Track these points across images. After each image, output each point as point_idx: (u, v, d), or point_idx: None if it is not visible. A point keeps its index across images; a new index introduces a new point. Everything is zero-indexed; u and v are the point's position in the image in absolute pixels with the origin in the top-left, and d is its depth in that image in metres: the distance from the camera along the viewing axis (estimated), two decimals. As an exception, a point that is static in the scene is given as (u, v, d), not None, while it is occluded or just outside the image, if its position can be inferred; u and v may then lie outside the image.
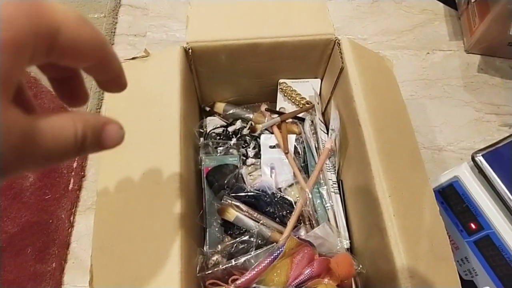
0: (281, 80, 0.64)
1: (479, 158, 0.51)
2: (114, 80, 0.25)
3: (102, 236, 0.42)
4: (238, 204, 0.50)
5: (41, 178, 0.67)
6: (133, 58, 0.53)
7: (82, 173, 0.69)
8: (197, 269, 0.45)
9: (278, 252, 0.42)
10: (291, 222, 0.48)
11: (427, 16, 0.89)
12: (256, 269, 0.42)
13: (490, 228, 0.50)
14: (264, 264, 0.42)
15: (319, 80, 0.65)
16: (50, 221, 0.64)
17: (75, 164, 0.69)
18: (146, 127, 0.48)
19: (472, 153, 0.52)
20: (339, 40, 0.55)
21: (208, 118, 0.66)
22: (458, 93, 0.78)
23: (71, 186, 0.67)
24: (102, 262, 0.41)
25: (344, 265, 0.43)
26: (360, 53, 0.55)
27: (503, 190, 0.48)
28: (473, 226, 0.52)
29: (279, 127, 0.60)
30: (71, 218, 0.65)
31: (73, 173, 0.68)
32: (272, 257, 0.42)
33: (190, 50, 0.54)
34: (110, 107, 0.50)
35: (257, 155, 0.60)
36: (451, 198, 0.55)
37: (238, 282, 0.42)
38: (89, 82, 0.79)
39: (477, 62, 0.82)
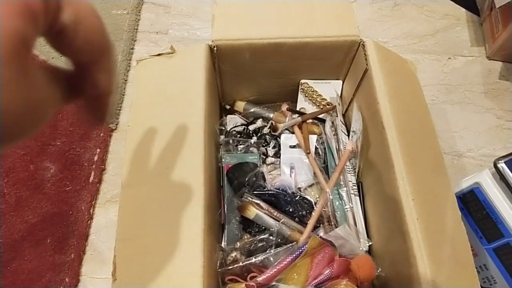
0: (302, 81, 0.64)
1: (501, 165, 0.50)
2: (97, 101, 0.22)
3: (126, 229, 0.42)
4: (258, 202, 0.50)
5: (62, 169, 0.68)
6: (158, 55, 0.54)
7: (103, 166, 0.70)
8: (217, 264, 0.45)
9: (300, 251, 0.42)
10: (311, 222, 0.48)
11: (449, 21, 0.88)
12: (277, 267, 0.42)
13: (511, 235, 0.50)
14: (285, 263, 0.42)
15: (340, 82, 0.65)
16: (70, 212, 0.65)
17: (96, 157, 0.70)
18: (171, 123, 0.48)
19: (494, 159, 0.51)
20: (363, 42, 0.55)
21: (229, 116, 0.66)
22: (479, 99, 0.78)
23: (91, 178, 0.68)
24: (125, 254, 0.41)
25: (365, 267, 0.43)
26: (384, 56, 0.55)
27: None
28: (493, 233, 0.52)
29: (299, 127, 0.60)
30: (91, 210, 0.66)
31: (93, 166, 0.69)
32: (294, 255, 0.42)
33: (215, 48, 0.54)
34: (136, 102, 0.51)
35: (277, 155, 0.60)
36: (472, 204, 0.54)
37: (259, 279, 0.42)
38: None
39: (499, 69, 0.81)
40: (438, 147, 0.51)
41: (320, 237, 0.44)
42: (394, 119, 0.49)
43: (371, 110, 0.52)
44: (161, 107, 0.50)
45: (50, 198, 0.66)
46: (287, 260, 0.43)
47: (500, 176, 0.50)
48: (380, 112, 0.49)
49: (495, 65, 0.82)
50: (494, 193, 0.51)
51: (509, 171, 0.49)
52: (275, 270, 0.42)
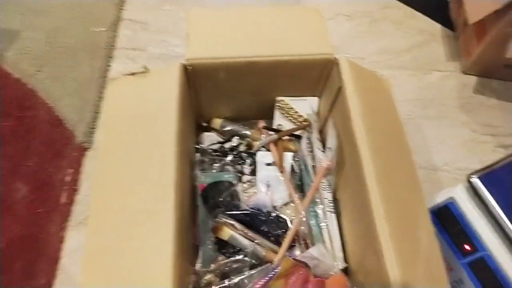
0: (278, 98, 0.64)
1: (475, 180, 0.51)
2: None
3: (94, 250, 0.41)
4: (233, 222, 0.49)
5: (33, 191, 0.66)
6: (132, 74, 0.53)
7: (75, 187, 0.68)
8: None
9: (273, 273, 0.42)
10: (285, 242, 0.48)
11: (424, 37, 0.90)
12: (250, 291, 0.41)
13: (485, 250, 0.50)
14: (258, 285, 0.41)
15: (317, 99, 0.65)
16: (41, 235, 0.63)
17: (68, 178, 0.68)
18: (142, 143, 0.47)
19: (467, 174, 0.52)
20: (337, 60, 0.55)
21: (205, 134, 0.65)
22: (454, 114, 0.79)
23: (63, 200, 0.66)
24: (92, 279, 0.40)
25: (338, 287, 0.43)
26: (358, 73, 0.55)
27: (498, 212, 0.48)
28: (467, 247, 0.52)
29: (275, 144, 0.60)
30: (62, 233, 0.64)
31: (65, 187, 0.67)
32: (267, 277, 0.42)
33: (190, 67, 0.54)
34: (107, 121, 0.50)
35: (253, 172, 0.60)
36: (446, 219, 0.54)
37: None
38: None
39: (474, 83, 0.83)
40: (413, 164, 0.51)
41: (293, 258, 0.43)
42: (367, 136, 0.49)
43: (345, 127, 0.52)
44: (132, 127, 0.49)
45: (20, 220, 0.64)
46: (261, 282, 0.42)
47: (474, 191, 0.51)
48: (354, 130, 0.49)
49: (470, 79, 0.83)
50: (468, 208, 0.52)
51: (482, 186, 0.50)
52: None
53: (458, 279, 0.53)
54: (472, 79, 0.83)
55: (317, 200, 0.56)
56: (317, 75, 0.59)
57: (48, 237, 0.63)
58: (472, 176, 0.51)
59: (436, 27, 0.91)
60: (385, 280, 0.40)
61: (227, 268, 0.47)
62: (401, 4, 0.94)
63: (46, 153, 0.69)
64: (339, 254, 0.52)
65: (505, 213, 0.48)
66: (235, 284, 0.44)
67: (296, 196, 0.53)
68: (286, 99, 0.64)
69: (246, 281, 0.44)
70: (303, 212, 0.51)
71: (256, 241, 0.48)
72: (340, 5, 0.93)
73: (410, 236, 0.44)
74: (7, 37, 0.82)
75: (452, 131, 0.77)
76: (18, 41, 0.82)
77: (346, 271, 0.52)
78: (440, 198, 0.55)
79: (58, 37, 0.83)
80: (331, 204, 0.56)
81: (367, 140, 0.48)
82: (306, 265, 0.44)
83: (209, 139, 0.63)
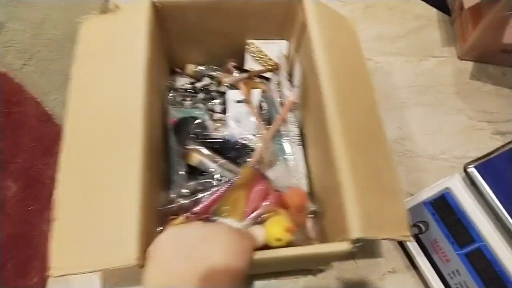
0: (249, 41, 0.66)
1: (471, 170, 0.50)
2: None
3: (67, 171, 0.44)
4: (201, 149, 0.52)
5: (23, 188, 0.65)
6: (103, 12, 0.55)
7: None
8: (160, 205, 0.47)
9: (233, 180, 0.45)
10: (252, 159, 0.50)
11: (420, 22, 0.87)
12: (212, 196, 0.44)
13: (482, 240, 0.49)
14: (219, 193, 0.45)
15: (286, 42, 0.67)
16: (33, 233, 0.61)
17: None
18: (112, 77, 0.49)
19: (464, 164, 0.51)
20: (301, -3, 0.57)
21: (179, 78, 0.67)
22: (450, 101, 0.78)
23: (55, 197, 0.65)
24: (65, 195, 0.43)
25: (296, 197, 0.46)
26: (322, 11, 0.57)
27: (495, 202, 0.47)
28: (464, 238, 0.51)
29: (245, 84, 0.62)
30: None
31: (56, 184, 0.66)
32: (228, 185, 0.45)
33: (159, 5, 0.55)
34: (79, 58, 0.51)
35: (224, 111, 0.62)
36: (443, 209, 0.54)
37: (195, 209, 0.44)
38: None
39: (470, 69, 0.81)
40: (372, 95, 0.54)
41: (254, 167, 0.46)
42: (327, 66, 0.51)
43: (309, 61, 0.54)
44: (103, 63, 0.51)
45: (11, 219, 0.62)
46: (222, 189, 0.45)
47: (470, 181, 0.50)
48: (315, 60, 0.52)
49: (466, 65, 0.82)
50: (465, 198, 0.51)
51: (479, 176, 0.49)
52: (211, 199, 0.45)
53: (455, 270, 0.53)
54: (468, 65, 0.82)
55: (283, 132, 0.59)
56: (284, 14, 0.61)
57: (40, 235, 0.61)
58: (468, 165, 0.50)
59: (432, 11, 0.89)
60: (340, 189, 0.44)
61: (195, 190, 0.50)
62: None
63: (35, 150, 0.68)
64: (303, 178, 0.55)
65: (502, 203, 0.47)
66: (200, 198, 0.47)
67: (262, 126, 0.56)
68: (256, 43, 0.66)
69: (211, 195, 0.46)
70: (263, 133, 0.53)
71: (221, 163, 0.51)
72: None
73: (365, 152, 0.47)
74: None
75: (449, 118, 0.75)
76: (2, 33, 0.78)
77: (311, 194, 0.56)
78: (436, 189, 0.55)
79: (43, 29, 0.80)
80: (297, 137, 0.59)
81: (327, 68, 0.51)
82: (267, 178, 0.47)
83: (182, 81, 0.65)
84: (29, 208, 0.63)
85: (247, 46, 0.66)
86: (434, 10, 0.89)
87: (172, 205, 0.48)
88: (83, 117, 0.47)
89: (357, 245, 0.40)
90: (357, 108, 0.51)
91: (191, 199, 0.48)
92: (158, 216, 0.47)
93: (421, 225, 0.56)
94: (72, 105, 0.48)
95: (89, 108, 0.48)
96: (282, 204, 0.47)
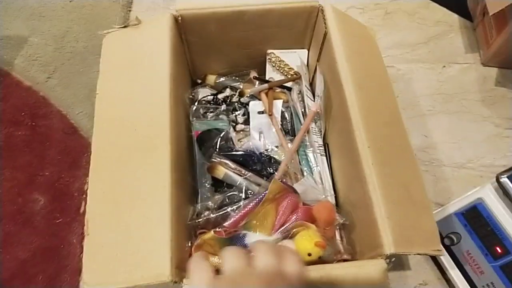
0: (269, 51, 0.66)
1: (504, 180, 0.49)
2: None
3: (97, 188, 0.44)
4: (226, 161, 0.52)
5: (51, 201, 0.65)
6: (124, 26, 0.56)
7: None
8: (188, 219, 0.47)
9: (262, 195, 0.45)
10: (278, 172, 0.50)
11: (441, 28, 0.86)
12: (242, 211, 0.44)
13: None
14: (249, 207, 0.45)
15: (306, 50, 0.67)
16: (62, 246, 0.62)
17: (86, 186, 0.67)
18: (138, 92, 0.50)
19: (496, 174, 0.50)
20: (322, 7, 0.57)
21: (200, 88, 0.68)
22: (476, 108, 0.76)
23: (82, 209, 0.65)
24: (97, 212, 0.43)
25: (324, 211, 0.46)
26: (343, 20, 0.57)
27: None
28: (498, 250, 0.51)
29: (266, 94, 0.62)
30: (83, 242, 0.63)
31: (84, 196, 0.66)
32: (257, 200, 0.45)
33: (180, 18, 0.56)
34: (104, 73, 0.52)
35: (247, 122, 0.62)
36: (475, 220, 0.53)
37: (225, 224, 0.44)
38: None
39: (494, 75, 0.79)
40: (396, 104, 0.54)
41: (281, 181, 0.46)
42: (352, 76, 0.51)
43: (332, 71, 0.54)
44: (128, 77, 0.52)
45: (40, 232, 0.63)
46: (251, 204, 0.45)
47: (503, 191, 0.49)
48: (339, 71, 0.52)
49: (490, 71, 0.80)
50: (498, 209, 0.51)
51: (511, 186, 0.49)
52: (240, 214, 0.45)
53: (490, 283, 0.52)
54: (493, 71, 0.80)
55: (307, 143, 0.59)
56: (304, 24, 0.61)
57: (69, 248, 0.62)
58: (501, 175, 0.50)
59: (453, 17, 0.87)
60: (368, 203, 0.43)
61: (222, 203, 0.50)
62: None
63: (62, 162, 0.69)
64: (330, 190, 0.55)
65: None
66: (229, 213, 0.47)
67: (283, 138, 0.56)
68: (276, 52, 0.67)
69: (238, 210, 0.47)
70: (286, 146, 0.53)
71: (248, 176, 0.51)
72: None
73: (392, 164, 0.47)
74: (14, 44, 0.80)
75: (475, 126, 0.74)
76: (25, 47, 0.80)
77: (337, 206, 0.55)
78: (467, 199, 0.54)
79: (66, 42, 0.81)
80: (321, 148, 0.59)
81: (351, 79, 0.51)
82: (295, 191, 0.47)
83: (204, 92, 0.65)
84: (57, 221, 0.64)
85: (268, 56, 0.67)
86: (455, 15, 0.87)
87: (199, 219, 0.48)
88: (111, 131, 0.48)
89: (392, 260, 0.40)
90: (381, 118, 0.51)
91: (219, 213, 0.48)
92: (187, 230, 0.48)
93: (453, 236, 0.55)
94: (100, 119, 0.49)
95: (117, 122, 0.48)
96: (310, 218, 0.46)
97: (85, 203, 0.63)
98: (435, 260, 0.60)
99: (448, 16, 0.87)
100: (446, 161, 0.70)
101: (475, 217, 0.53)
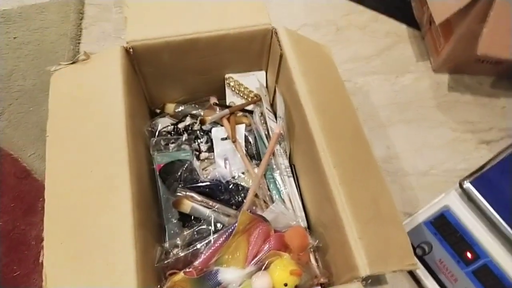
0: (227, 75, 0.65)
1: (467, 186, 0.50)
2: None
3: (54, 236, 0.41)
4: (192, 194, 0.50)
5: (7, 253, 0.61)
6: (73, 62, 0.53)
7: None
8: (156, 260, 0.45)
9: (232, 228, 0.43)
10: (246, 202, 0.49)
11: (391, 39, 0.89)
12: (212, 248, 0.43)
13: (487, 256, 0.49)
14: (220, 242, 0.43)
15: (263, 72, 0.67)
16: None
17: (43, 233, 0.63)
18: (91, 129, 0.48)
19: (459, 180, 0.51)
20: (275, 29, 0.57)
21: (159, 119, 0.66)
22: (432, 114, 0.78)
23: (41, 258, 0.58)
24: (55, 261, 0.40)
25: (297, 236, 0.45)
26: (297, 40, 0.57)
27: (494, 216, 0.47)
28: (469, 255, 0.51)
29: (228, 119, 0.61)
30: None
31: (42, 244, 0.61)
32: (227, 234, 0.43)
33: (131, 50, 0.54)
34: (53, 112, 0.49)
35: (210, 150, 0.61)
36: (444, 228, 0.54)
37: (196, 263, 0.42)
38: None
39: (447, 81, 0.82)
40: (357, 119, 0.54)
41: (251, 212, 0.45)
42: (310, 96, 0.51)
43: (290, 91, 0.54)
44: (80, 116, 0.49)
45: None
46: (221, 239, 0.43)
47: (468, 197, 0.50)
48: (297, 91, 0.52)
49: (442, 78, 0.83)
50: (464, 215, 0.51)
51: (475, 191, 0.49)
52: (211, 251, 0.43)
53: None
54: (444, 77, 0.82)
55: (274, 166, 0.58)
56: (259, 47, 0.61)
57: None
58: (464, 181, 0.50)
59: (402, 27, 0.90)
60: (339, 223, 0.43)
61: (192, 239, 0.48)
62: (363, 8, 0.93)
63: (16, 210, 0.64)
64: (301, 213, 0.54)
65: (501, 216, 0.47)
66: (199, 249, 0.45)
67: (249, 164, 0.55)
68: (235, 76, 0.66)
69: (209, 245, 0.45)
70: (252, 172, 0.52)
71: (216, 208, 0.49)
72: (303, 16, 0.91)
73: (359, 182, 0.47)
74: None
75: (433, 132, 0.76)
76: None
77: (309, 228, 0.54)
78: (434, 208, 0.55)
79: (13, 81, 0.77)
80: (288, 169, 0.58)
81: (310, 99, 0.51)
82: (264, 219, 0.46)
83: (163, 123, 0.63)
84: (15, 274, 0.59)
85: (226, 81, 0.66)
86: (404, 26, 0.91)
87: (168, 259, 0.45)
88: (65, 175, 0.45)
89: (368, 282, 0.39)
90: (344, 134, 0.51)
91: (188, 250, 0.46)
92: (155, 273, 0.45)
93: (424, 246, 0.55)
94: (52, 163, 0.46)
95: (71, 164, 0.46)
96: (283, 245, 0.45)
97: (44, 253, 0.60)
98: (410, 271, 0.60)
99: (397, 27, 0.91)
100: (410, 170, 0.72)
101: (444, 225, 0.53)
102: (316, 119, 0.49)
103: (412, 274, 0.59)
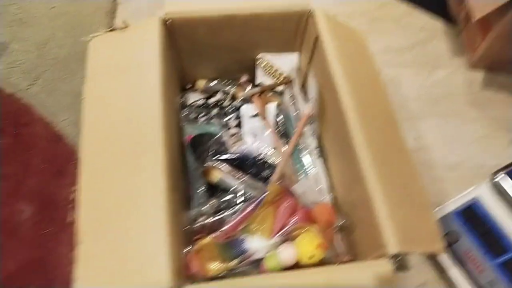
0: (259, 55, 0.66)
1: (499, 179, 0.50)
2: None
3: (88, 195, 0.42)
4: (221, 165, 0.51)
5: (38, 211, 0.63)
6: (111, 30, 0.54)
7: None
8: (184, 225, 0.46)
9: (261, 198, 0.43)
10: (274, 175, 0.49)
11: (426, 33, 0.88)
12: (240, 215, 0.43)
13: None
14: (247, 211, 0.43)
15: (297, 54, 0.67)
16: (50, 257, 0.60)
17: (73, 196, 0.61)
18: (127, 96, 0.48)
19: (491, 173, 0.51)
20: (312, 11, 0.57)
21: (190, 94, 0.66)
22: (464, 111, 0.77)
23: (70, 218, 0.62)
24: (88, 219, 0.41)
25: (325, 212, 0.45)
26: (333, 23, 0.57)
27: None
28: (498, 248, 0.51)
29: (259, 97, 0.62)
30: (72, 253, 0.60)
31: (71, 205, 0.62)
32: (256, 203, 0.43)
33: (169, 22, 0.55)
34: (91, 77, 0.50)
35: (239, 126, 0.61)
36: (473, 219, 0.54)
37: (223, 229, 0.43)
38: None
39: (480, 79, 0.81)
40: (389, 104, 0.54)
41: (280, 183, 0.45)
42: (344, 78, 0.51)
43: (324, 74, 0.54)
44: (116, 81, 0.50)
45: (27, 243, 0.60)
46: (250, 207, 0.44)
47: (498, 190, 0.50)
48: (332, 74, 0.51)
49: (476, 75, 0.81)
50: (494, 208, 0.51)
51: (506, 184, 0.50)
52: (239, 218, 0.43)
53: (490, 280, 0.52)
54: (479, 75, 0.81)
55: (302, 147, 0.58)
56: (294, 28, 0.61)
57: (58, 259, 0.59)
58: (495, 174, 0.51)
59: (437, 23, 0.89)
60: (369, 204, 0.43)
61: (218, 209, 0.49)
62: (399, 1, 0.92)
63: (47, 171, 0.66)
64: (326, 194, 0.55)
65: None
66: (226, 218, 0.46)
67: (279, 141, 0.55)
68: (267, 56, 0.66)
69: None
70: (287, 151, 0.52)
71: (245, 180, 0.50)
72: (337, 6, 0.90)
73: (391, 164, 0.46)
74: None
75: (464, 128, 0.75)
76: (7, 54, 0.78)
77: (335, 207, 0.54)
78: (464, 199, 0.55)
79: (48, 49, 0.79)
80: (316, 150, 0.58)
81: (344, 81, 0.50)
82: (293, 194, 0.46)
83: (194, 97, 0.64)
84: (44, 232, 0.61)
85: (258, 61, 0.66)
86: (439, 22, 0.89)
87: (195, 225, 0.46)
88: (100, 136, 0.46)
89: (397, 259, 0.39)
90: (377, 119, 0.51)
91: (215, 218, 0.47)
92: (183, 237, 0.46)
93: (451, 235, 0.55)
94: (88, 125, 0.47)
95: (106, 127, 0.46)
96: (309, 220, 0.45)
97: (73, 213, 0.62)
98: (434, 260, 0.59)
99: (432, 22, 0.89)
100: (439, 163, 0.71)
101: (473, 216, 0.53)
102: (350, 100, 0.49)
103: (436, 263, 0.59)
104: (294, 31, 0.62)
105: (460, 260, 0.55)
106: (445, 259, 0.56)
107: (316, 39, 0.56)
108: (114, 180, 0.43)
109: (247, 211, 0.44)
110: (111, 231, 0.40)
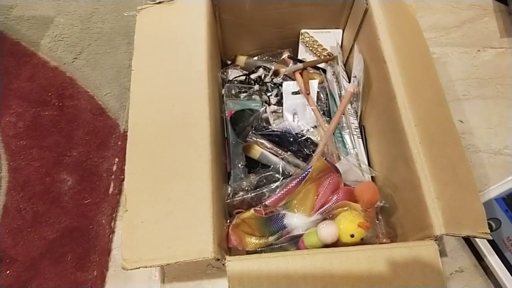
0: (302, 30, 0.64)
1: None
2: None
3: (135, 164, 0.43)
4: (263, 141, 0.51)
5: (80, 181, 0.64)
6: (159, 2, 0.54)
7: (123, 176, 0.65)
8: (225, 198, 0.46)
9: (306, 173, 0.43)
10: (317, 151, 0.49)
11: (475, 11, 0.83)
12: (284, 189, 0.43)
13: None
14: (291, 186, 0.43)
15: (340, 31, 0.65)
16: (91, 226, 0.61)
17: (114, 167, 0.66)
18: (175, 68, 0.49)
19: None
20: (361, -16, 0.55)
21: (230, 70, 0.66)
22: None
23: (111, 190, 0.64)
24: (135, 187, 0.42)
25: (368, 192, 0.44)
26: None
27: None
28: None
29: (301, 74, 0.61)
30: (112, 223, 0.62)
31: (113, 176, 0.65)
32: (300, 178, 0.43)
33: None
34: (139, 48, 0.51)
35: (280, 103, 0.60)
36: None
37: (266, 202, 0.43)
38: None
39: None
40: (439, 82, 0.52)
41: (325, 159, 0.44)
42: (395, 53, 0.49)
43: (373, 48, 0.52)
44: (163, 52, 0.50)
45: (68, 212, 0.62)
46: (294, 182, 0.43)
47: None
48: (381, 48, 0.50)
49: None
50: None
51: None
52: (282, 192, 0.43)
53: None
54: None
55: (344, 125, 0.57)
56: (342, 1, 0.59)
57: (98, 229, 0.61)
58: None
59: (488, 1, 0.85)
60: (415, 183, 0.42)
61: (258, 184, 0.49)
62: None
63: (90, 143, 0.68)
64: (367, 174, 0.53)
65: None
66: (267, 192, 0.46)
67: (321, 118, 0.54)
68: (310, 32, 0.65)
69: (277, 190, 0.45)
70: (325, 126, 0.51)
71: (285, 156, 0.50)
72: None
73: (439, 144, 0.45)
74: (40, 24, 0.79)
75: (510, 112, 0.72)
76: (52, 28, 0.79)
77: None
78: (508, 185, 0.53)
79: (92, 23, 0.80)
80: (357, 130, 0.57)
81: (394, 56, 0.49)
82: (336, 170, 0.45)
83: (234, 73, 0.64)
84: (86, 201, 0.63)
85: (301, 36, 0.65)
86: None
87: (236, 199, 0.47)
88: (148, 107, 0.47)
89: (442, 241, 0.38)
90: (426, 97, 0.49)
91: (254, 193, 0.47)
92: (224, 210, 0.47)
93: (492, 222, 0.53)
94: (136, 95, 0.48)
95: (153, 97, 0.47)
96: (351, 199, 0.45)
97: (114, 184, 0.64)
98: (471, 246, 0.58)
99: (482, 0, 0.84)
100: (483, 147, 0.68)
101: (516, 203, 0.50)
102: (399, 76, 0.47)
103: (474, 249, 0.57)
104: (342, 4, 0.60)
105: (499, 248, 0.53)
106: (484, 246, 0.54)
107: (365, 12, 0.54)
108: (160, 150, 0.44)
109: (290, 186, 0.44)
110: (157, 199, 0.41)
